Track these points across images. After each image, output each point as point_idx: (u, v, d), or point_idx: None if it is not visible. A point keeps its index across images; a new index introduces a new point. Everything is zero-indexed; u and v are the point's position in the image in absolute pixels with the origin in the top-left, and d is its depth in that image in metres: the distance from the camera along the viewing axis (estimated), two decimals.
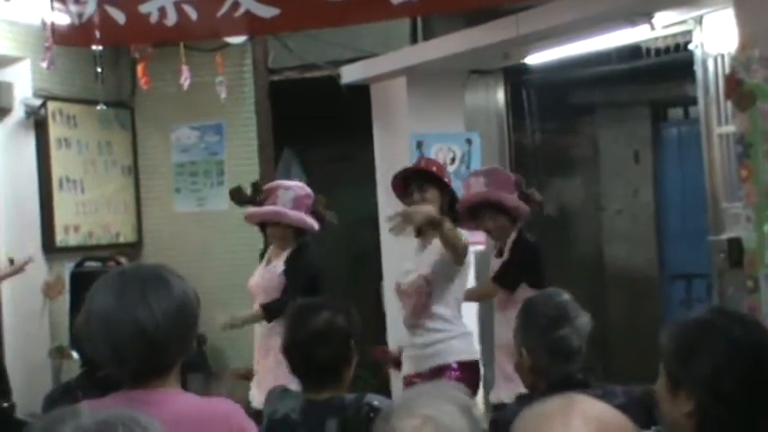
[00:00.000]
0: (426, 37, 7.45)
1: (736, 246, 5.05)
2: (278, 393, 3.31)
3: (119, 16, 4.97)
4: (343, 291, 7.27)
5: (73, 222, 7.74)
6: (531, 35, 5.98)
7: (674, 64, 6.57)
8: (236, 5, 4.70)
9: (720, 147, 5.74)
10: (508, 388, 4.85)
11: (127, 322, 2.24)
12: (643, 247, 8.25)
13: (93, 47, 5.86)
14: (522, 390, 3.42)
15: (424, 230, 4.91)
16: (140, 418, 1.49)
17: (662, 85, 7.82)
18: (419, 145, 6.83)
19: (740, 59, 4.66)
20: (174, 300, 2.28)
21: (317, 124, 8.08)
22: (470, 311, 5.92)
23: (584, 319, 3.15)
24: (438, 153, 6.86)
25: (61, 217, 7.62)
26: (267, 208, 5.52)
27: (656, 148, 8.27)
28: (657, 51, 6.43)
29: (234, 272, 7.84)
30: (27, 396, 6.61)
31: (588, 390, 2.83)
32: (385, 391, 5.43)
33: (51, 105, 7.58)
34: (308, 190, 5.68)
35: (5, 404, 6.58)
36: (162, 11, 4.84)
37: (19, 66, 7.38)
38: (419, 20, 7.54)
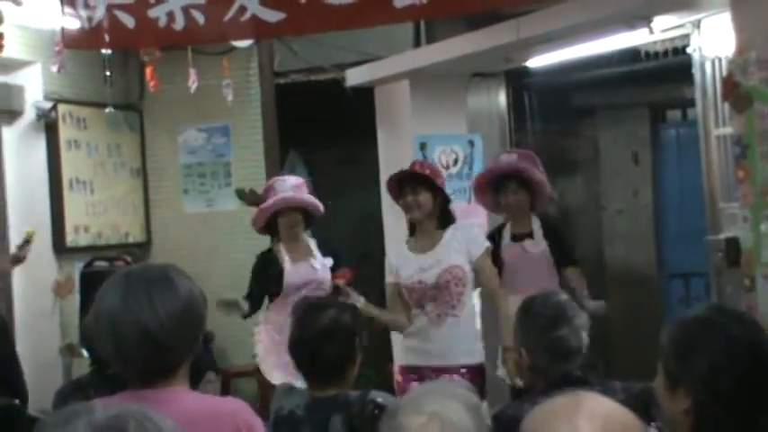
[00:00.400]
0: (429, 40, 7.45)
1: (733, 245, 5.05)
2: (283, 390, 3.32)
3: (128, 20, 4.98)
4: None
5: (83, 223, 7.75)
6: (532, 39, 5.98)
7: (672, 67, 6.56)
8: (242, 10, 4.71)
9: (718, 148, 5.74)
10: None
11: (131, 323, 2.23)
12: (643, 246, 8.25)
13: (103, 51, 5.88)
14: None
15: (423, 226, 4.98)
16: (151, 414, 1.49)
17: (661, 87, 7.82)
18: (422, 146, 6.83)
19: (737, 62, 4.66)
20: (179, 300, 2.27)
21: (322, 126, 8.08)
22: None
23: (582, 319, 3.16)
24: (441, 155, 6.87)
25: (71, 217, 7.63)
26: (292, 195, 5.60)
27: (655, 149, 8.27)
28: (656, 54, 6.42)
29: (241, 271, 7.85)
30: (38, 392, 6.61)
31: (587, 387, 2.83)
32: (388, 388, 5.42)
33: (62, 108, 7.58)
34: (301, 180, 5.81)
35: (17, 400, 6.58)
36: (170, 15, 4.85)
37: (30, 69, 7.39)
38: (422, 24, 7.55)
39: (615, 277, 8.34)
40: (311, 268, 5.66)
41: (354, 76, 7.49)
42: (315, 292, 5.48)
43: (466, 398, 2.17)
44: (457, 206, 5.49)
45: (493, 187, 5.53)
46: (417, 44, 7.58)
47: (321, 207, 5.71)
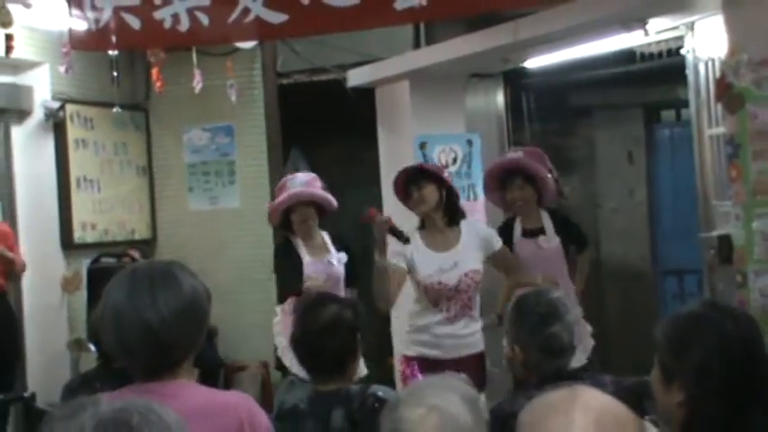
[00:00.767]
0: (429, 42, 7.45)
1: (725, 242, 5.05)
2: (287, 385, 3.33)
3: (134, 22, 4.98)
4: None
5: (90, 220, 7.76)
6: (529, 40, 5.97)
7: (666, 68, 6.56)
8: (246, 12, 4.71)
9: (711, 148, 5.74)
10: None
11: (135, 319, 2.24)
12: (637, 243, 8.25)
13: (110, 52, 5.88)
14: None
15: (432, 221, 4.96)
16: (155, 407, 1.49)
17: (655, 88, 7.81)
18: (422, 146, 6.83)
19: (729, 64, 4.66)
20: (183, 297, 2.28)
21: (324, 126, 8.08)
22: None
23: (573, 315, 3.16)
24: (440, 154, 6.88)
25: (79, 215, 7.64)
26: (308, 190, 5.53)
27: (650, 148, 8.26)
28: (651, 56, 6.43)
29: (245, 267, 7.87)
30: (46, 386, 6.63)
31: (578, 381, 2.83)
32: (388, 382, 5.42)
33: (69, 108, 7.59)
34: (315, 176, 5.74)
35: (26, 394, 6.60)
36: (175, 17, 4.85)
37: (38, 70, 7.40)
38: (422, 25, 7.54)
39: (611, 273, 8.34)
40: (328, 264, 5.58)
41: (355, 77, 7.49)
42: (332, 289, 5.30)
43: (465, 391, 2.17)
44: None
45: (500, 184, 5.53)
46: (417, 45, 7.58)
47: (333, 201, 5.59)
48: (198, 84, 6.48)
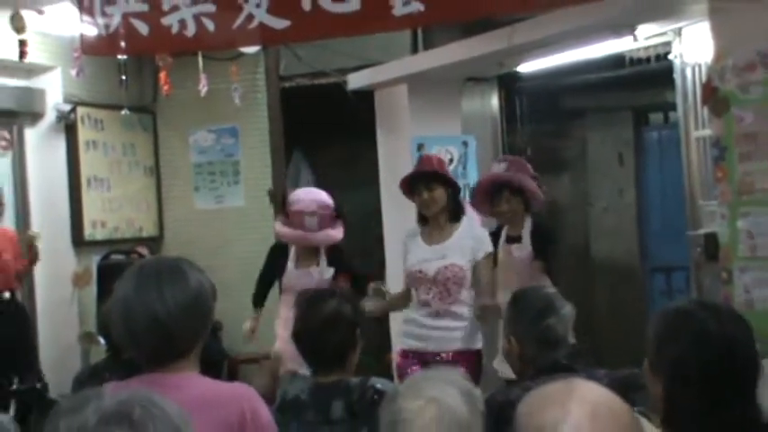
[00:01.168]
0: (426, 47, 7.45)
1: (712, 240, 5.05)
2: (289, 377, 3.32)
3: (142, 28, 4.96)
4: None
5: (100, 218, 7.77)
6: (523, 45, 5.97)
7: (655, 72, 6.55)
8: (250, 18, 4.69)
9: (698, 149, 5.74)
10: None
11: (143, 311, 2.27)
12: (627, 241, 8.25)
13: (119, 56, 5.87)
14: None
15: (436, 219, 4.97)
16: (157, 400, 1.49)
17: (644, 92, 7.80)
18: (420, 147, 6.83)
19: (716, 69, 4.66)
20: (189, 291, 2.30)
21: (325, 128, 8.08)
22: None
23: (568, 309, 3.17)
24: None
25: (89, 213, 7.64)
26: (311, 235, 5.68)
27: (639, 150, 8.26)
28: (640, 61, 6.41)
29: (249, 264, 7.86)
30: (58, 377, 6.63)
31: (573, 374, 2.83)
32: (387, 374, 5.42)
33: (80, 110, 7.59)
34: (325, 200, 5.72)
35: (38, 384, 6.59)
36: (182, 23, 4.83)
37: (51, 74, 7.40)
38: (419, 31, 7.54)
39: (601, 270, 8.34)
40: (309, 275, 5.67)
41: (355, 80, 7.48)
42: None
43: (462, 384, 2.17)
44: None
45: (488, 198, 5.53)
46: (415, 50, 7.58)
47: (339, 236, 5.74)
48: (204, 87, 6.48)
